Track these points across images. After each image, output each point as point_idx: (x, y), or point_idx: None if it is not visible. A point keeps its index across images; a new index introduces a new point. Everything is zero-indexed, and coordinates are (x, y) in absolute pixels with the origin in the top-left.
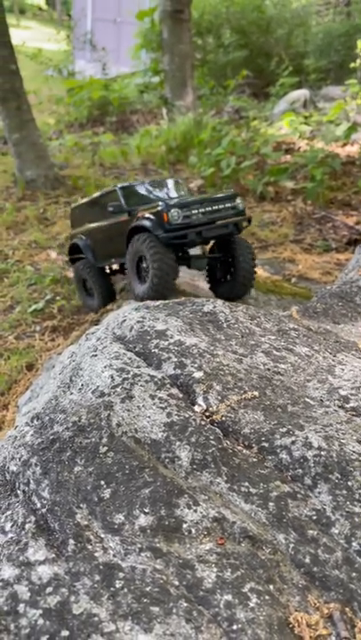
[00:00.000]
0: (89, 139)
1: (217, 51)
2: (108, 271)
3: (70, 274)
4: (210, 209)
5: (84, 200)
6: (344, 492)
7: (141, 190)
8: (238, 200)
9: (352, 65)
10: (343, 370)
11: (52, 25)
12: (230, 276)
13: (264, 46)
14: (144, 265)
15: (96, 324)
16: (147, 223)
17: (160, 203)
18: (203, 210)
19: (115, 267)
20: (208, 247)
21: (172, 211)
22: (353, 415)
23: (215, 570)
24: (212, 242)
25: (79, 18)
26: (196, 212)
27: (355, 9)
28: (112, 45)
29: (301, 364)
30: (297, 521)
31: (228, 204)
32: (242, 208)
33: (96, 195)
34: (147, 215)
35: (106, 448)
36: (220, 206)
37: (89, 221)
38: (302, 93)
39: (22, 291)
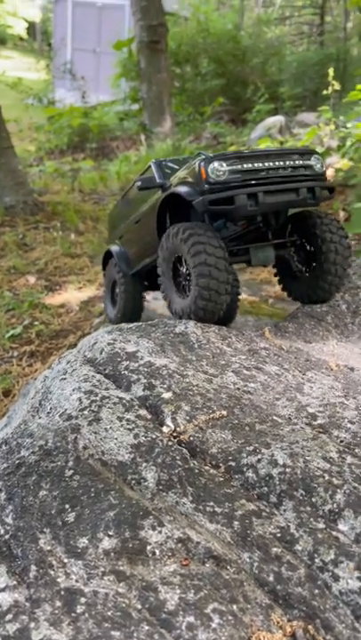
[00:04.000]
0: (69, 165)
1: (195, 79)
2: (145, 283)
3: (48, 300)
4: (271, 164)
5: (120, 198)
6: (308, 508)
7: (184, 163)
8: (315, 159)
9: (325, 92)
10: (312, 388)
11: (32, 55)
12: (311, 270)
13: (240, 75)
14: (183, 269)
15: (73, 348)
16: (182, 189)
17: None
18: (260, 164)
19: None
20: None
21: (214, 163)
22: (320, 432)
23: (178, 591)
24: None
25: (59, 47)
26: (251, 166)
27: (328, 38)
28: (92, 74)
29: (271, 382)
30: (261, 539)
31: (298, 162)
32: (320, 170)
33: (130, 184)
34: (184, 179)
35: (72, 471)
36: (288, 162)
37: (123, 221)
38: (278, 119)
39: (0, 316)
